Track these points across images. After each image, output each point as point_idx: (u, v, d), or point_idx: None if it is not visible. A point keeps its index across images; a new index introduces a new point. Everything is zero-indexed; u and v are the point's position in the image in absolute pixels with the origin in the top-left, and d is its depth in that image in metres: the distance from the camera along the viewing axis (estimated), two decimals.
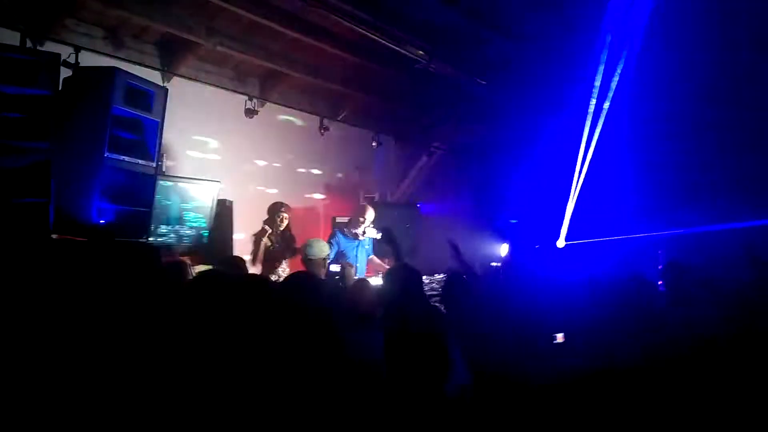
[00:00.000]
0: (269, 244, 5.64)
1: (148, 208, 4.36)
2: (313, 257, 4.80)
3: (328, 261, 5.03)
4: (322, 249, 4.89)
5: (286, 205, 5.86)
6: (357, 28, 5.29)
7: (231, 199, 6.13)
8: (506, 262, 4.53)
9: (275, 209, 5.75)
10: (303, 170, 7.94)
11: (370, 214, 6.02)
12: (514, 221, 7.34)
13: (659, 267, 8.04)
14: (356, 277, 4.91)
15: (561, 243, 8.01)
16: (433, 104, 8.21)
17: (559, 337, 3.29)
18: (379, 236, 4.47)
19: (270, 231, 5.61)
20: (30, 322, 2.79)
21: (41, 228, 3.48)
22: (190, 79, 6.00)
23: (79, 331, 2.69)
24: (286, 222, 5.76)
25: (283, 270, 5.71)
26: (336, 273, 4.65)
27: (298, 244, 5.53)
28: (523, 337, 2.81)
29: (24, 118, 3.53)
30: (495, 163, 8.34)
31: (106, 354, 2.48)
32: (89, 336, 2.64)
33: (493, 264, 5.36)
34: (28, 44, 4.52)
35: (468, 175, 8.51)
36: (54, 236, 3.64)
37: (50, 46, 4.60)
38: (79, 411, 2.27)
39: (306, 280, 2.98)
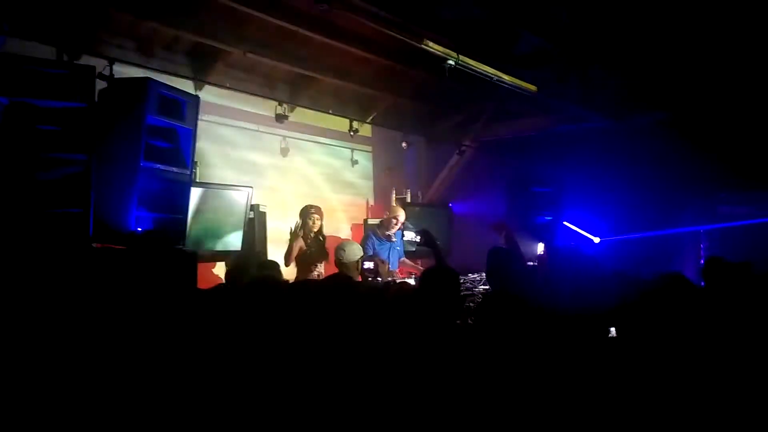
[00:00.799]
0: (303, 247, 5.67)
1: (184, 215, 4.41)
2: (346, 261, 4.81)
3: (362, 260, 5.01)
4: (354, 252, 4.89)
5: (317, 207, 5.88)
6: (384, 30, 5.27)
7: (264, 204, 6.19)
8: (543, 259, 4.44)
9: (306, 212, 5.78)
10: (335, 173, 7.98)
11: (402, 215, 6.00)
12: (549, 218, 7.22)
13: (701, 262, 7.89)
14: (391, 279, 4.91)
15: (597, 239, 7.88)
16: (463, 103, 8.15)
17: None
18: (417, 238, 4.41)
19: (301, 233, 5.63)
20: (72, 329, 2.85)
21: (81, 237, 3.55)
22: (220, 86, 6.07)
23: (121, 338, 2.73)
24: (318, 224, 5.78)
25: (319, 273, 5.73)
26: (369, 270, 4.62)
27: (331, 247, 5.55)
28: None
29: (61, 131, 3.61)
30: (527, 160, 8.24)
31: (149, 360, 2.50)
32: (130, 342, 2.68)
33: (530, 263, 5.26)
34: (64, 58, 4.64)
35: (500, 173, 8.42)
36: (94, 245, 3.71)
37: (85, 59, 4.72)
38: (124, 414, 2.30)
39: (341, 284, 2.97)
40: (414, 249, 6.35)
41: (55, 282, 3.15)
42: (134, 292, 3.19)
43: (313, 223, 5.74)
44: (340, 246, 4.94)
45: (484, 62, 5.65)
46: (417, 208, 7.83)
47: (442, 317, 2.60)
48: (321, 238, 5.85)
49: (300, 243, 5.64)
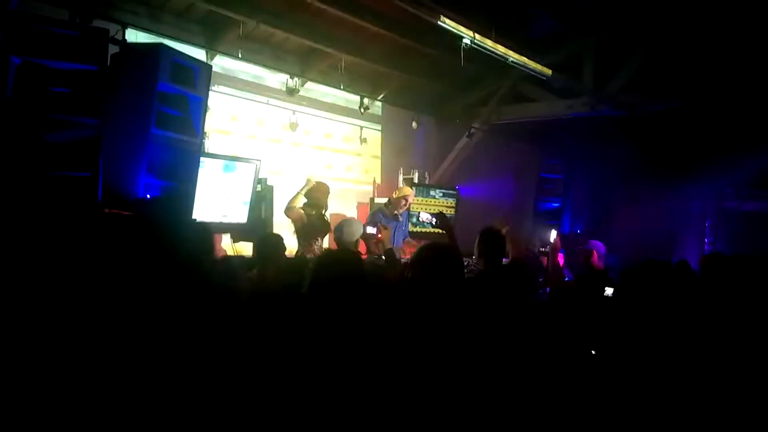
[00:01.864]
0: (304, 218, 5.60)
1: (192, 184, 4.38)
2: (346, 239, 4.58)
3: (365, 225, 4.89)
4: (353, 232, 4.66)
5: (326, 186, 5.81)
6: (400, 4, 5.20)
7: (272, 177, 6.16)
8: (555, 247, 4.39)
9: (316, 189, 5.70)
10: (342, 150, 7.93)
11: (411, 196, 5.97)
12: (557, 205, 7.18)
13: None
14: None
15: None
16: (475, 84, 8.08)
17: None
18: (433, 220, 4.36)
19: (303, 205, 5.57)
20: (82, 293, 2.84)
21: (90, 202, 3.52)
22: (232, 56, 6.01)
23: (132, 303, 2.72)
24: (323, 202, 5.72)
25: (320, 248, 5.69)
26: (372, 235, 4.50)
27: (334, 222, 5.49)
28: None
29: (72, 93, 3.56)
30: (537, 145, 8.19)
31: (159, 327, 2.49)
32: (141, 308, 2.67)
33: (542, 249, 5.22)
34: (76, 21, 4.58)
35: (509, 158, 8.37)
36: (105, 210, 3.69)
37: (97, 24, 4.66)
38: (139, 385, 2.29)
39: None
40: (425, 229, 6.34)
41: (64, 244, 3.14)
42: (141, 257, 3.18)
43: (319, 202, 5.65)
44: (338, 226, 4.74)
45: (500, 43, 5.57)
46: (424, 189, 7.79)
47: (440, 296, 2.54)
48: (324, 212, 5.79)
49: (304, 218, 5.58)
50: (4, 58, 3.34)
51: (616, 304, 2.41)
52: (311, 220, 5.55)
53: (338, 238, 4.64)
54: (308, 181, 5.66)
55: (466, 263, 4.78)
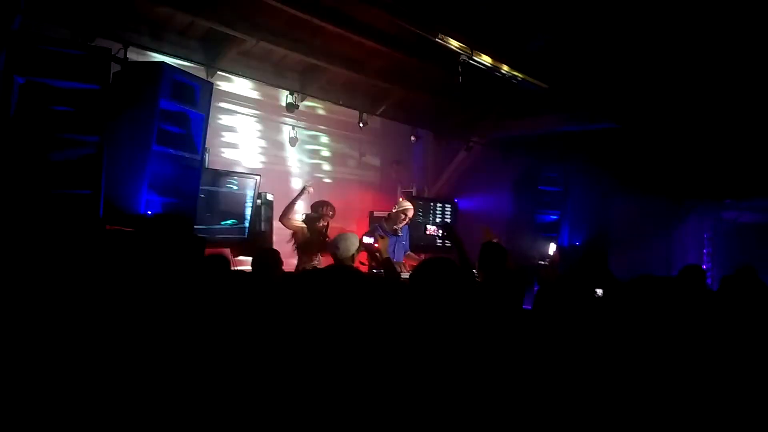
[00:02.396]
0: (306, 233, 5.62)
1: (194, 200, 4.42)
2: (341, 257, 4.47)
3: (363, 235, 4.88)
4: (348, 247, 4.53)
5: (331, 207, 5.77)
6: (398, 23, 5.27)
7: (271, 193, 6.20)
8: (555, 261, 4.44)
9: (319, 210, 5.68)
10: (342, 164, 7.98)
11: (411, 211, 6.01)
12: (555, 218, 7.23)
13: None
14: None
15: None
16: (473, 99, 8.13)
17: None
18: (440, 232, 4.36)
19: (305, 223, 5.60)
20: (82, 308, 2.86)
21: (91, 219, 3.56)
22: (232, 73, 6.08)
23: (129, 320, 2.74)
24: (325, 222, 5.70)
25: (318, 262, 5.71)
26: (370, 245, 4.45)
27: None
28: None
29: (75, 112, 3.62)
30: (535, 159, 8.23)
31: (157, 342, 2.51)
32: (138, 324, 2.69)
33: (540, 262, 5.27)
34: (79, 40, 4.63)
35: (507, 171, 8.41)
36: (106, 227, 3.72)
37: (99, 43, 4.71)
38: (129, 396, 2.31)
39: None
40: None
41: (66, 260, 3.17)
42: (144, 274, 3.21)
43: (321, 221, 5.64)
44: (333, 242, 4.63)
45: (496, 59, 5.64)
46: (422, 203, 7.84)
47: (439, 309, 2.56)
48: (325, 231, 5.81)
49: (302, 227, 5.60)
50: (8, 78, 3.40)
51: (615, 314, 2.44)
52: (313, 236, 5.58)
53: (334, 254, 4.55)
54: (305, 188, 5.70)
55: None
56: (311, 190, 5.68)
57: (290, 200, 5.72)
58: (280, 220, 5.63)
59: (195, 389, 2.26)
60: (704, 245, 8.86)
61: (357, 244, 4.59)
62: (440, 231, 4.56)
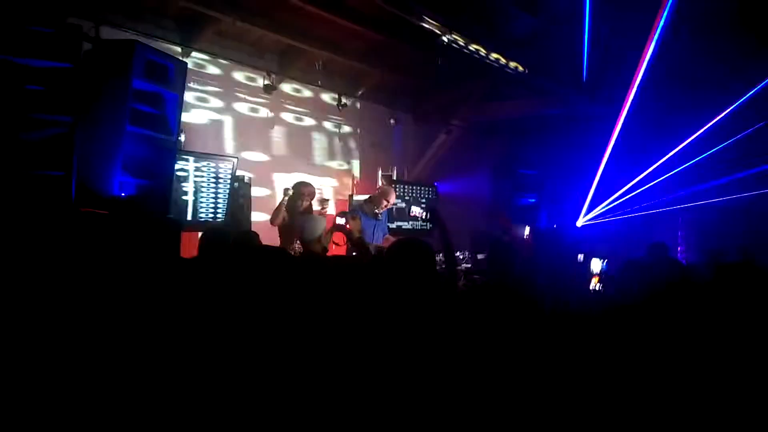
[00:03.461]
0: (287, 218, 5.60)
1: (168, 182, 4.36)
2: (307, 239, 4.43)
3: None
4: (314, 229, 4.50)
5: (311, 187, 5.74)
6: (376, 2, 5.22)
7: (249, 175, 6.14)
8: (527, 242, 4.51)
9: (298, 190, 5.64)
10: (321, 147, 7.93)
11: (393, 197, 5.99)
12: (533, 201, 7.28)
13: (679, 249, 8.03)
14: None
15: (580, 222, 7.97)
16: (453, 81, 8.12)
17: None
18: (425, 215, 4.33)
19: (285, 206, 5.56)
20: (55, 292, 2.82)
21: (63, 200, 3.49)
22: (209, 53, 5.99)
23: (103, 303, 2.71)
24: (307, 204, 5.68)
25: (299, 247, 5.67)
26: (340, 226, 4.46)
27: None
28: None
29: (46, 91, 3.53)
30: (514, 142, 8.27)
31: (130, 326, 2.49)
32: (112, 308, 2.66)
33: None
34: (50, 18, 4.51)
35: (487, 154, 8.44)
36: (80, 209, 3.66)
37: (71, 21, 4.60)
38: (105, 388, 2.29)
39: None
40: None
41: (37, 243, 3.12)
42: (118, 258, 3.17)
43: (302, 202, 5.63)
44: (299, 224, 4.60)
45: (475, 41, 5.62)
46: (402, 186, 7.83)
47: (414, 290, 2.58)
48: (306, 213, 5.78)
49: (284, 213, 5.58)
50: None
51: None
52: (292, 218, 5.55)
53: (300, 236, 4.53)
54: (285, 192, 5.62)
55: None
56: (290, 193, 5.61)
57: (276, 205, 5.66)
58: (271, 223, 5.55)
59: (167, 372, 2.24)
60: (677, 226, 8.98)
61: (323, 226, 4.56)
62: (424, 213, 4.54)
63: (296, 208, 5.55)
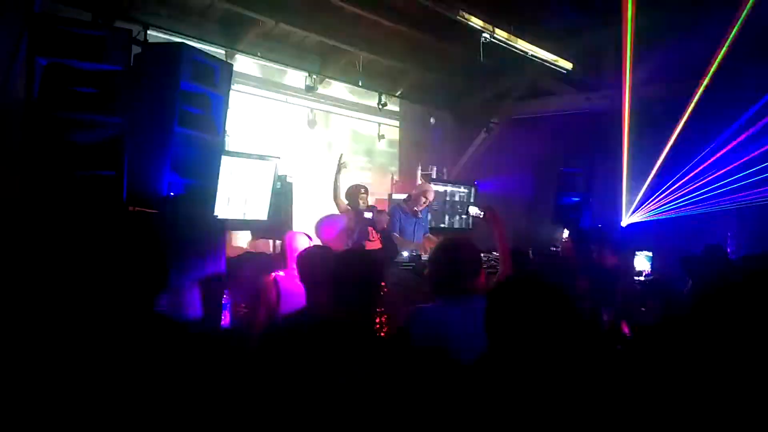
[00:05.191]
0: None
1: (215, 182, 4.42)
2: (321, 237, 4.46)
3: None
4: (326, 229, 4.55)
5: (365, 187, 5.79)
6: (418, 1, 5.20)
7: (291, 175, 6.19)
8: (567, 247, 4.42)
9: (355, 193, 5.67)
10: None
11: (432, 193, 5.97)
12: (578, 200, 7.13)
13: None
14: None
15: (625, 222, 7.78)
16: (493, 79, 8.04)
17: None
18: (481, 214, 4.33)
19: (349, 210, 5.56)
20: (108, 290, 2.88)
21: (115, 200, 3.57)
22: (252, 55, 6.06)
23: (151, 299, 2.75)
24: (365, 202, 5.70)
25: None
26: (369, 220, 4.50)
27: None
28: None
29: (97, 93, 3.61)
30: (557, 140, 8.12)
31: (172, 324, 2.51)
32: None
33: (552, 248, 5.24)
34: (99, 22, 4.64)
35: (528, 152, 8.32)
36: (129, 208, 3.73)
37: (119, 25, 4.71)
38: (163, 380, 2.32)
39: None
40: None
41: (90, 242, 3.19)
42: (167, 256, 3.22)
43: (364, 202, 5.64)
44: (317, 222, 4.61)
45: (518, 36, 5.54)
46: (442, 185, 7.79)
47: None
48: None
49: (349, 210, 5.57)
50: (30, 59, 3.40)
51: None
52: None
53: (318, 235, 4.53)
54: (340, 164, 5.69)
55: (487, 258, 4.81)
56: (346, 163, 5.67)
57: (334, 179, 5.72)
58: (335, 200, 5.63)
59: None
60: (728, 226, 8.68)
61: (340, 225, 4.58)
62: (482, 213, 4.55)
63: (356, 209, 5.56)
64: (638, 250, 5.73)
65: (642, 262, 5.88)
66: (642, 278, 5.14)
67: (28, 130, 3.37)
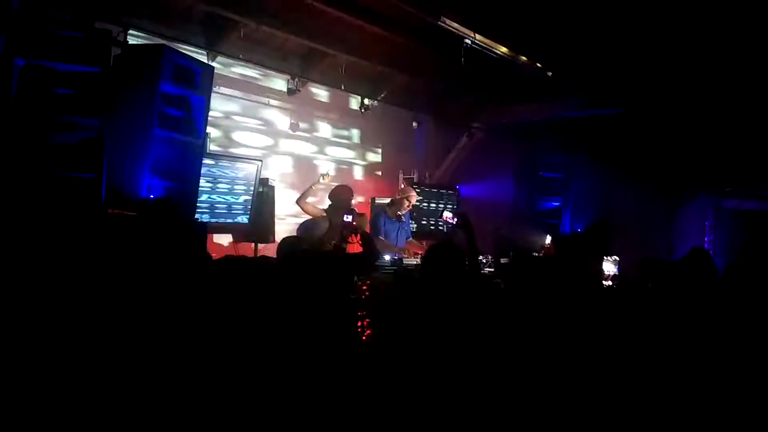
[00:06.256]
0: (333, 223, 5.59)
1: (195, 184, 4.40)
2: (304, 238, 4.70)
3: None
4: (310, 235, 4.88)
5: (345, 186, 5.80)
6: (399, 5, 5.22)
7: (273, 178, 6.18)
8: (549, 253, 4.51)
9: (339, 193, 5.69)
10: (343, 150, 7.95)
11: (414, 197, 6.00)
12: (557, 204, 7.20)
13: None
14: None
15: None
16: (475, 84, 8.08)
17: None
18: (454, 220, 4.44)
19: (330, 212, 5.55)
20: (85, 290, 2.86)
21: (94, 202, 3.54)
22: (233, 57, 6.03)
23: (132, 302, 2.74)
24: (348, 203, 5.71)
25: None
26: (348, 223, 4.57)
27: None
28: None
29: (75, 95, 3.58)
30: (537, 145, 8.19)
31: (155, 324, 2.51)
32: (141, 307, 2.69)
33: (534, 254, 5.29)
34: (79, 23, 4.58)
35: (509, 157, 8.38)
36: (108, 210, 3.70)
37: (99, 26, 4.66)
38: (133, 380, 2.31)
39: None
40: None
41: (69, 244, 3.16)
42: (146, 258, 3.20)
43: (341, 202, 5.62)
44: (301, 225, 4.92)
45: (499, 42, 5.59)
46: (424, 189, 7.81)
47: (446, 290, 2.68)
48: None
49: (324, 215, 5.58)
50: (7, 60, 3.37)
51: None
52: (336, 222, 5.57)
53: (300, 236, 4.83)
54: (322, 175, 5.74)
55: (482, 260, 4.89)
56: (329, 180, 5.73)
57: (308, 185, 5.80)
58: (297, 202, 5.66)
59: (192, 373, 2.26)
60: (705, 233, 8.82)
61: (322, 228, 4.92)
62: (455, 219, 4.64)
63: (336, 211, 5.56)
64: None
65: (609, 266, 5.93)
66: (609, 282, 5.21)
67: (5, 131, 3.32)
